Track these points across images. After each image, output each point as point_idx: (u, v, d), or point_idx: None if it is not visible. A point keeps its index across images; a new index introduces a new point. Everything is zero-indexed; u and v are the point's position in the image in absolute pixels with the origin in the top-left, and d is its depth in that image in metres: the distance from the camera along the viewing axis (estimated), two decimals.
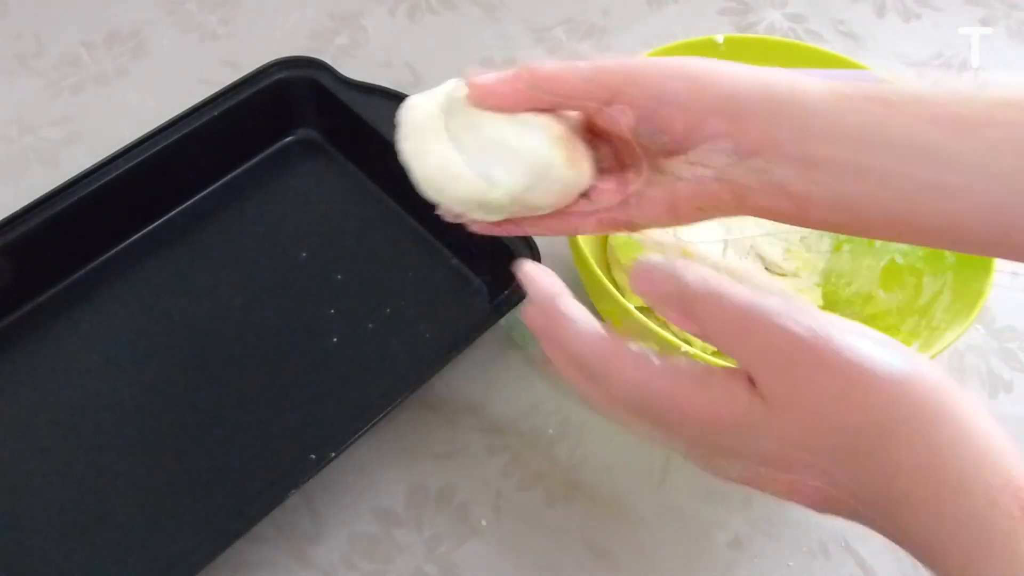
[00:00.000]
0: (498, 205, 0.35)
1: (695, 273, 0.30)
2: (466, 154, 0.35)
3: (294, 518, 0.47)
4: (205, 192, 0.57)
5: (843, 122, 0.31)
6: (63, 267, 0.54)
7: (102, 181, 0.53)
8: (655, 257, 0.31)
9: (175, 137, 0.55)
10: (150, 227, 0.56)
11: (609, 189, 0.36)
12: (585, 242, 0.47)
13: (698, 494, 0.49)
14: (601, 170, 0.36)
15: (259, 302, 0.54)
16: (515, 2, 0.71)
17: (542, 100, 0.34)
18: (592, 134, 0.36)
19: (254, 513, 0.42)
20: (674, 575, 0.46)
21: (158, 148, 0.54)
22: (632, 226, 0.36)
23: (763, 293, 0.29)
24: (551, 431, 0.50)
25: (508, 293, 0.50)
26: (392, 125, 0.57)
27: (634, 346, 0.31)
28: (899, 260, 0.52)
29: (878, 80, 0.32)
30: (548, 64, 0.33)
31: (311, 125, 0.60)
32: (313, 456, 0.44)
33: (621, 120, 0.33)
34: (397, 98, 0.57)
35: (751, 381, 0.29)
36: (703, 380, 0.30)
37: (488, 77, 0.34)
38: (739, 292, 0.29)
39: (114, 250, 0.55)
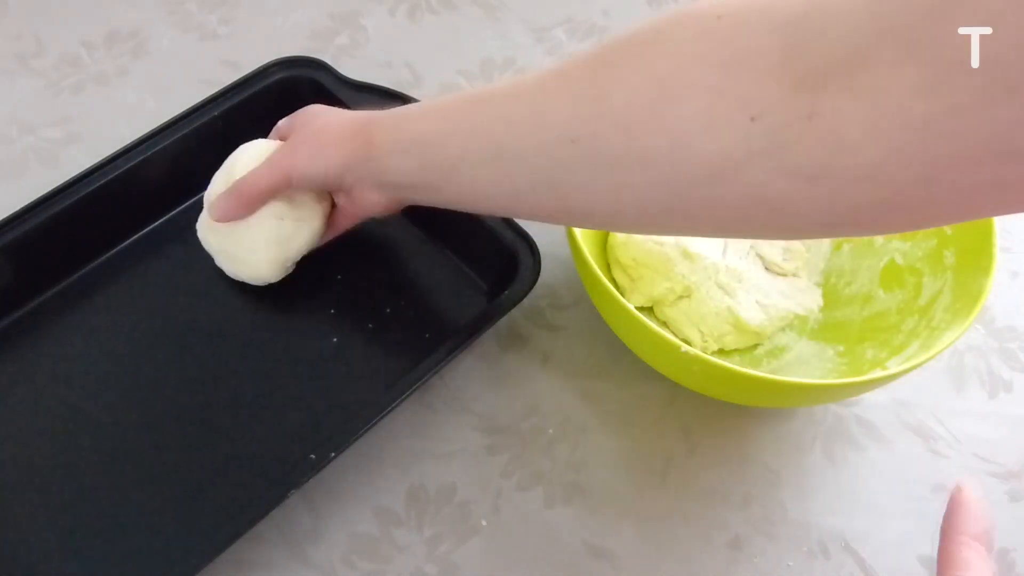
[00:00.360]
0: (282, 269, 0.52)
1: None
2: (231, 260, 0.52)
3: (294, 518, 0.47)
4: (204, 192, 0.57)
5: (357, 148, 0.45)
6: (63, 267, 0.54)
7: (102, 181, 0.53)
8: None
9: (175, 137, 0.55)
10: (150, 227, 0.56)
11: (339, 203, 0.51)
12: (585, 242, 0.47)
13: (698, 494, 0.49)
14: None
15: (259, 302, 0.54)
16: (515, 2, 0.71)
17: (252, 206, 0.49)
18: None
19: (254, 513, 0.42)
20: (674, 574, 0.46)
21: (158, 148, 0.54)
22: (361, 218, 0.51)
23: None
24: (551, 431, 0.50)
25: (507, 293, 0.50)
26: None
27: None
28: (899, 260, 0.52)
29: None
30: (241, 181, 0.48)
31: None
32: (313, 456, 0.44)
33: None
34: (397, 98, 0.57)
35: None
36: None
37: (218, 204, 0.49)
38: None
39: (114, 250, 0.55)
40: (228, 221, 0.49)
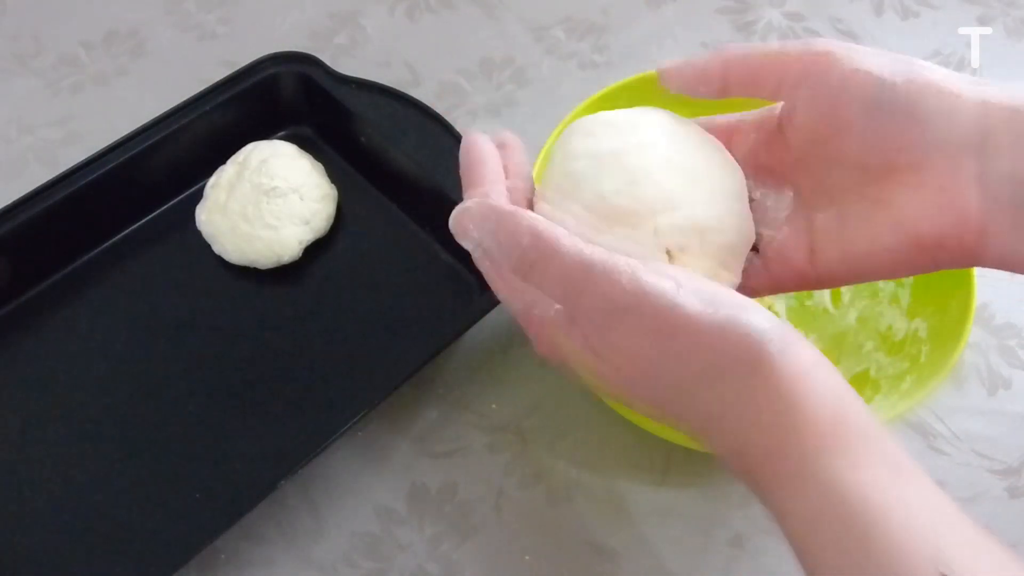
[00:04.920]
0: (298, 248, 0.53)
1: (528, 229, 0.30)
2: (242, 238, 0.53)
3: (296, 517, 0.47)
4: (199, 186, 0.57)
5: None
6: (57, 261, 0.54)
7: (96, 174, 0.53)
8: (473, 204, 0.31)
9: (168, 131, 0.55)
10: (144, 220, 0.56)
11: (787, 243, 0.32)
12: None
13: (698, 492, 0.49)
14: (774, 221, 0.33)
15: (254, 296, 0.54)
16: (514, 1, 0.71)
17: (733, 71, 0.31)
18: (763, 172, 0.33)
19: (243, 505, 0.43)
20: (675, 573, 0.46)
21: (151, 142, 0.55)
22: (809, 283, 0.33)
23: (591, 246, 0.29)
24: (552, 430, 0.50)
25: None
26: (384, 120, 0.58)
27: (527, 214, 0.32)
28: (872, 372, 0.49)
29: None
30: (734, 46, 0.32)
31: (304, 121, 0.60)
32: (303, 450, 0.44)
33: (799, 121, 0.29)
34: (390, 95, 0.57)
35: (572, 319, 0.31)
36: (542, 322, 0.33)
37: (676, 61, 0.33)
38: (569, 247, 0.29)
39: (109, 242, 0.55)
40: (677, 87, 0.33)
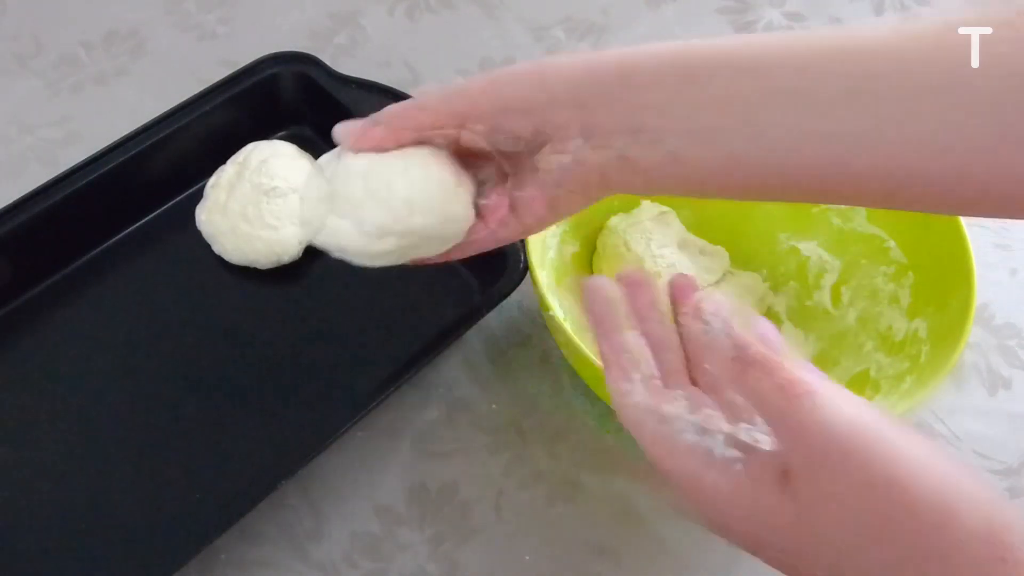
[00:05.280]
0: (297, 249, 0.53)
1: (751, 333, 0.31)
2: (242, 239, 0.53)
3: (296, 517, 0.47)
4: (199, 186, 0.57)
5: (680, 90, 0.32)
6: (57, 261, 0.54)
7: (97, 174, 0.53)
8: (719, 300, 0.33)
9: (169, 131, 0.55)
10: (145, 219, 0.56)
11: (497, 203, 0.38)
12: (576, 232, 0.47)
13: None
14: (487, 188, 0.40)
15: (254, 296, 0.54)
16: (514, 1, 0.71)
17: (404, 137, 0.37)
18: (472, 156, 0.38)
19: (243, 505, 0.43)
20: (676, 573, 0.47)
21: (152, 141, 0.55)
22: (526, 229, 0.38)
23: (817, 371, 0.29)
24: (552, 430, 0.50)
25: (497, 287, 0.50)
26: None
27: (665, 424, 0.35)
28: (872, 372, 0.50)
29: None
30: (395, 107, 0.37)
31: (304, 121, 0.61)
32: (303, 449, 0.44)
33: (475, 139, 0.37)
34: (390, 94, 0.57)
35: (786, 474, 0.29)
36: (738, 485, 0.30)
37: (352, 124, 0.38)
38: (790, 365, 0.28)
39: (109, 242, 0.55)
40: (362, 147, 0.38)
